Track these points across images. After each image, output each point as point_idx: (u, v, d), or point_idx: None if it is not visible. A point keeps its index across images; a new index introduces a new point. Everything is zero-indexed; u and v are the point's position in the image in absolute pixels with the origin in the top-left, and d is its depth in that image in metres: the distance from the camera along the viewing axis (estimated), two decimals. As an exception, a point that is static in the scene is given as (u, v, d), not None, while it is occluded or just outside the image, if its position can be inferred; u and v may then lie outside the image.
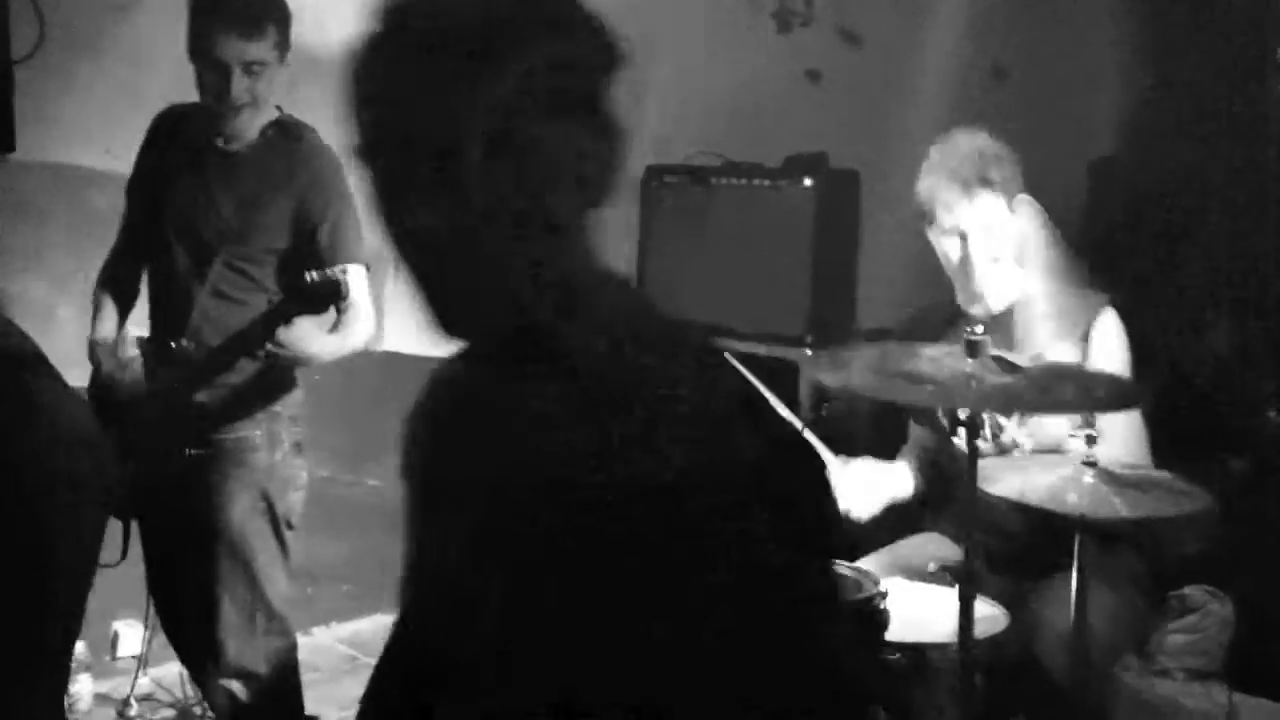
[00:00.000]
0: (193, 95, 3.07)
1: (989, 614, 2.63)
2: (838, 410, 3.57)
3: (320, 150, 3.08)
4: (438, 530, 1.38)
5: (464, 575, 1.31)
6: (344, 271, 2.96)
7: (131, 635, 3.86)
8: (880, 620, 2.52)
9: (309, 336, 2.95)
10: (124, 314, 3.26)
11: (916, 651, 2.57)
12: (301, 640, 3.26)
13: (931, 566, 2.68)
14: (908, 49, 4.66)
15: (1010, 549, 2.90)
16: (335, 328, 3.04)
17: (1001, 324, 2.92)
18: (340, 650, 4.26)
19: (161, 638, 3.27)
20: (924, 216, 2.99)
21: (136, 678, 3.61)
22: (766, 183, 4.10)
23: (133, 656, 3.73)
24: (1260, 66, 3.97)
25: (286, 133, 3.11)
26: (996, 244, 2.94)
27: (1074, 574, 2.55)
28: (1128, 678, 2.80)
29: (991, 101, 4.46)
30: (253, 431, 3.08)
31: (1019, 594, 2.82)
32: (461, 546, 1.32)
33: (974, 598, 2.42)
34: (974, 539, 2.44)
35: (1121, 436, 2.84)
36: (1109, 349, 2.92)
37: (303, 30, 3.13)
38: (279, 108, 3.13)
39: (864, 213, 4.32)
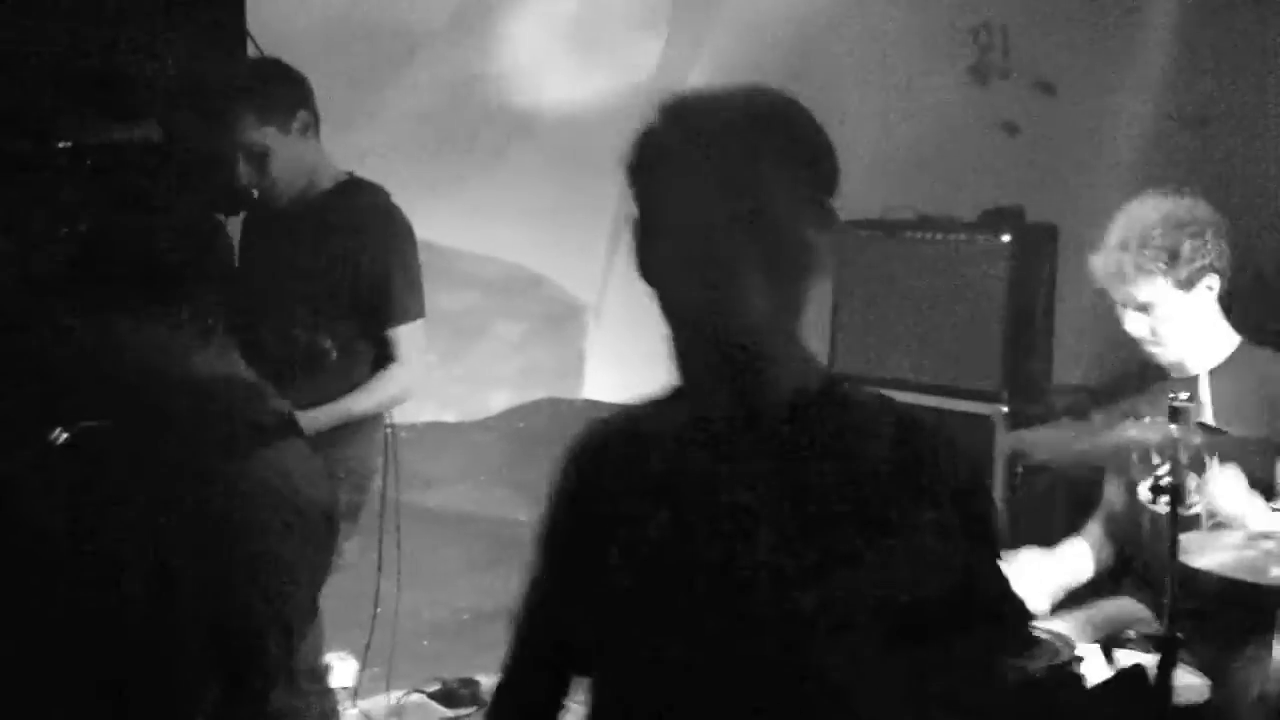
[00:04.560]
0: None
1: (1191, 683, 2.60)
2: (1040, 484, 3.56)
3: (382, 210, 3.12)
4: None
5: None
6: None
7: (344, 668, 4.02)
8: (1076, 684, 2.53)
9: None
10: None
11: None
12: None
13: (1130, 634, 2.68)
14: (1104, 99, 4.61)
15: (1211, 618, 2.87)
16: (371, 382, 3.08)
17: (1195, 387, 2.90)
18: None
19: (372, 670, 3.39)
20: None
21: (347, 708, 3.77)
22: (962, 237, 4.07)
23: (344, 688, 3.89)
24: None
25: (348, 193, 3.14)
26: (1169, 327, 2.92)
27: (1276, 644, 2.53)
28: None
29: (1190, 150, 4.39)
30: None
31: (1221, 662, 2.79)
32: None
33: (1174, 664, 2.42)
34: (1173, 607, 2.45)
35: None
36: None
37: (515, 92, 3.28)
38: (350, 173, 3.18)
39: (1060, 265, 4.27)
